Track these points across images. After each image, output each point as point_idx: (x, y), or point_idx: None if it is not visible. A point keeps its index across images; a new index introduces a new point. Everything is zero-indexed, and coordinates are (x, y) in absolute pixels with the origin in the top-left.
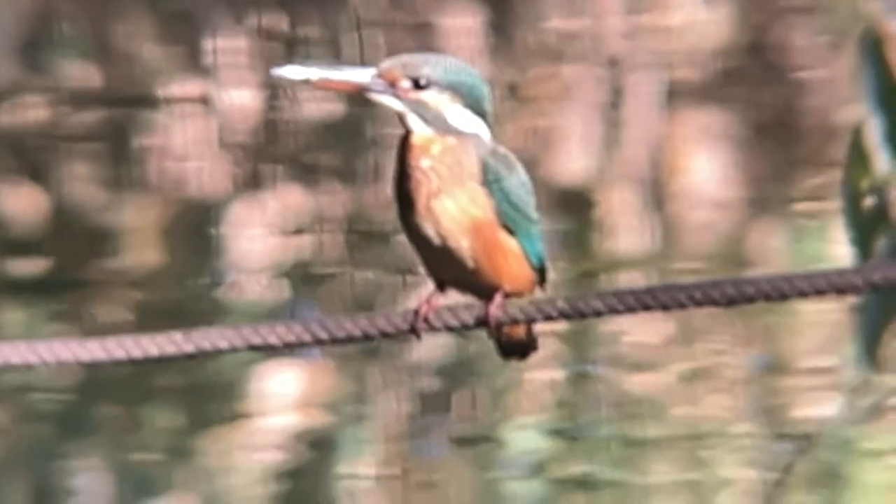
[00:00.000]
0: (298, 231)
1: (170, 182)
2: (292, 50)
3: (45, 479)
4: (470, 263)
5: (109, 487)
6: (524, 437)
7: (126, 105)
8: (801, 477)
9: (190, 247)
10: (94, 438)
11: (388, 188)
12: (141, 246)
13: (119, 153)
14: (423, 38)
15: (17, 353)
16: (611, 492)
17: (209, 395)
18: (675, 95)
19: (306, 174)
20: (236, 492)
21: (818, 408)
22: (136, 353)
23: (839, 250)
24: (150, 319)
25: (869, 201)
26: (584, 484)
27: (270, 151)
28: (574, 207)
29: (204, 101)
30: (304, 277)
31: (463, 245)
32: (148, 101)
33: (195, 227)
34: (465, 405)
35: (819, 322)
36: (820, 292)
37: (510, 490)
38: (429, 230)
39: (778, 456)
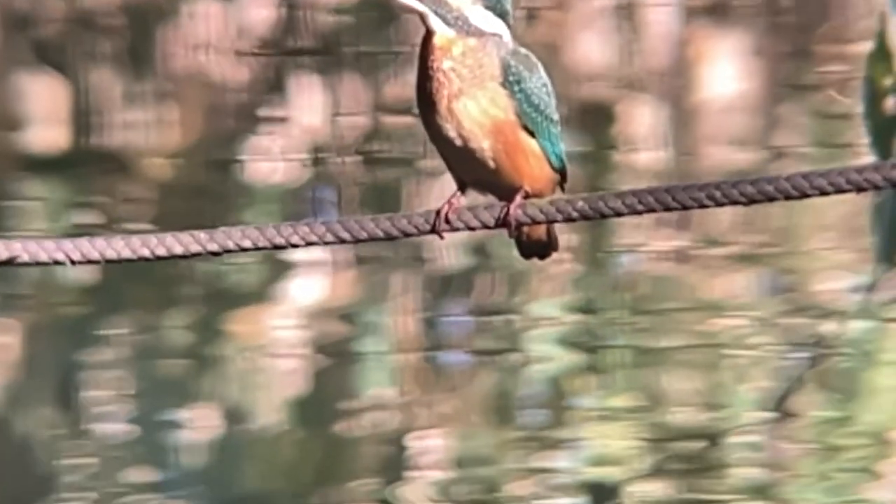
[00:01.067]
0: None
1: (192, 73)
2: None
3: (68, 380)
4: (491, 164)
5: (132, 393)
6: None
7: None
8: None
9: (213, 137)
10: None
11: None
12: (164, 130)
13: (141, 44)
14: None
15: (43, 250)
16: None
17: (232, 302)
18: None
19: (327, 66)
20: (258, 398)
21: (838, 293)
22: (161, 251)
23: (859, 147)
24: (173, 201)
25: (890, 100)
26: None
27: (290, 43)
28: (592, 114)
29: None
30: (325, 167)
31: (484, 146)
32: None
33: (218, 120)
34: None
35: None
36: (839, 190)
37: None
38: (450, 131)
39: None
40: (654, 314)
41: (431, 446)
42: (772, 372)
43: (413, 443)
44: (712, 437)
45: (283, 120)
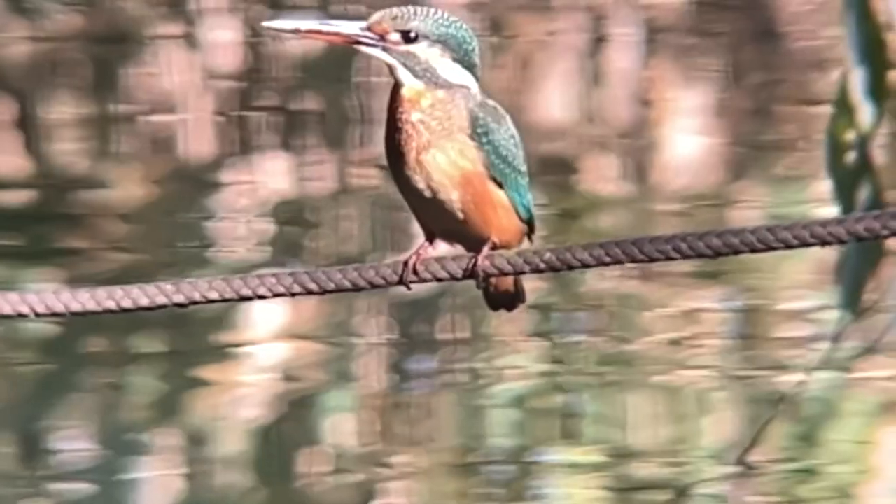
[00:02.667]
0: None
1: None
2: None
3: (28, 437)
4: (459, 215)
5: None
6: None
7: (110, 43)
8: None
9: (177, 205)
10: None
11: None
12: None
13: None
14: None
15: (8, 303)
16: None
17: (196, 329)
18: (656, 43)
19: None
20: (221, 435)
21: (800, 354)
22: (127, 303)
23: (822, 201)
24: (138, 275)
25: (852, 155)
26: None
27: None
28: (556, 158)
29: (188, 41)
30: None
31: (453, 197)
32: (133, 43)
33: (183, 186)
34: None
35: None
36: (804, 243)
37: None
38: (419, 183)
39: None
40: (619, 365)
41: (395, 501)
42: (736, 424)
43: (378, 498)
44: (676, 489)
45: (247, 180)
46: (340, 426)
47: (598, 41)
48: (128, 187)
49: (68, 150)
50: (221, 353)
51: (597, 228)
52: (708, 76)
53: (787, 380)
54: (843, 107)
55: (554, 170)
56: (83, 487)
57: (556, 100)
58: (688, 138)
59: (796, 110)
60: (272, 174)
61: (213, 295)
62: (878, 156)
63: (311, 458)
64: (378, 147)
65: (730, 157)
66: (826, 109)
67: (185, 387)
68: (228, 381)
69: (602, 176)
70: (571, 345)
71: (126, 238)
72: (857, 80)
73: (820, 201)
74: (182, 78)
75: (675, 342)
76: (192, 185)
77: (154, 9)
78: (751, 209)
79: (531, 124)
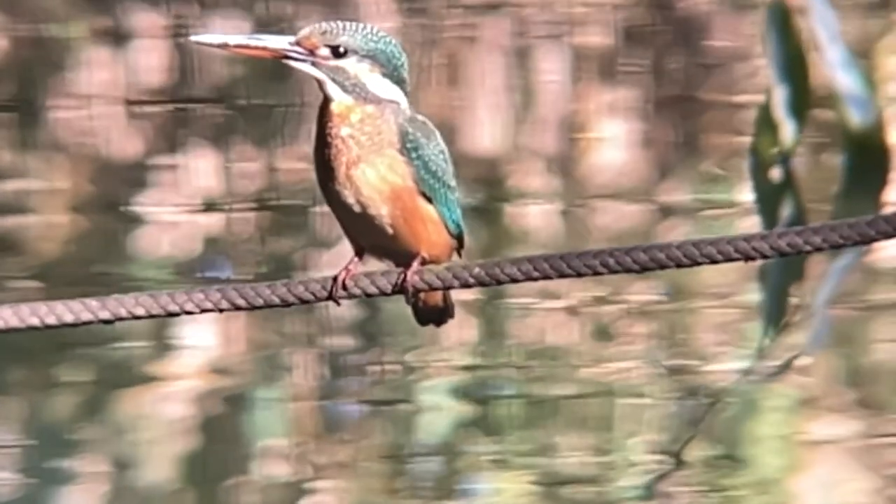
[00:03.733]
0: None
1: (82, 147)
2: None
3: None
4: (389, 230)
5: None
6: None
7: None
8: (703, 433)
9: (104, 207)
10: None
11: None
12: (50, 205)
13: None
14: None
15: None
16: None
17: (120, 354)
18: (582, 65)
19: (218, 136)
20: (147, 450)
21: (724, 367)
22: (51, 320)
23: (746, 217)
24: (60, 277)
25: (775, 170)
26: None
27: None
28: (484, 179)
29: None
30: (219, 238)
31: (382, 212)
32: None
33: (109, 190)
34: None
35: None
36: (728, 258)
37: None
38: (348, 198)
39: (682, 415)
40: (545, 363)
41: (325, 499)
42: (661, 420)
43: (307, 497)
44: (602, 482)
45: (175, 176)
46: (269, 424)
47: (524, 54)
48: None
49: None
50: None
51: (525, 237)
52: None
53: (713, 377)
54: (766, 124)
55: (482, 180)
56: (6, 481)
57: (484, 118)
58: (613, 151)
59: (720, 125)
60: (199, 173)
61: (140, 311)
62: (801, 172)
63: (240, 459)
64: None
65: (655, 170)
66: (750, 127)
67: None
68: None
69: (530, 183)
70: (499, 339)
71: (48, 236)
72: (780, 98)
73: (743, 214)
74: (105, 77)
75: (602, 336)
76: (117, 182)
77: (78, 5)
78: (677, 222)
79: (459, 137)
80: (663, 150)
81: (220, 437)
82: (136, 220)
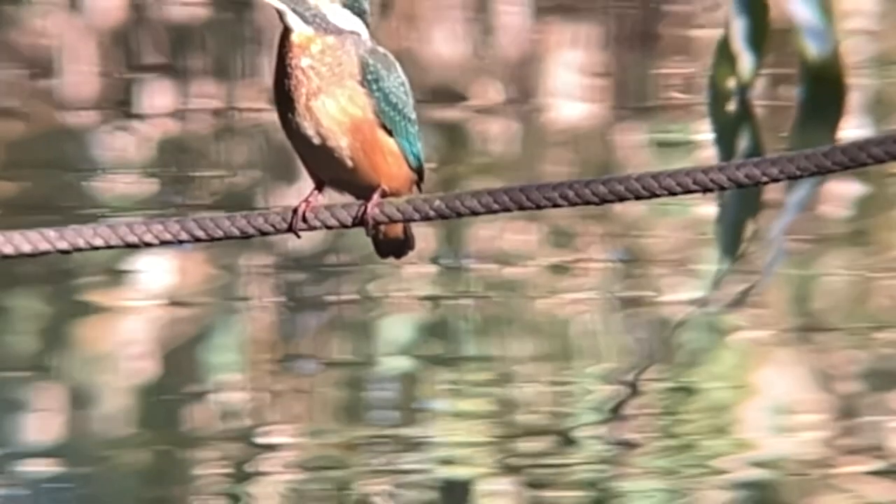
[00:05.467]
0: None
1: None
2: None
3: None
4: (349, 163)
5: None
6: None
7: None
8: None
9: (58, 144)
10: None
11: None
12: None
13: None
14: None
15: None
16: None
17: (80, 284)
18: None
19: (176, 73)
20: (104, 380)
21: (679, 297)
22: (8, 249)
23: (703, 150)
24: (20, 212)
25: (733, 102)
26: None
27: (138, 50)
28: (444, 107)
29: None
30: (176, 174)
31: (342, 144)
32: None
33: (65, 127)
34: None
35: (680, 220)
36: (687, 190)
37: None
38: (308, 129)
39: (637, 345)
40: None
41: (281, 443)
42: (615, 375)
43: (262, 438)
44: (558, 437)
45: (133, 118)
46: (225, 367)
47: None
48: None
49: None
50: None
51: (484, 165)
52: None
53: (669, 308)
54: (725, 56)
55: (442, 105)
56: None
57: (444, 42)
58: (572, 78)
59: (679, 60)
60: (156, 109)
61: (98, 242)
62: (759, 104)
63: (196, 403)
64: (265, 81)
65: (614, 101)
66: (708, 58)
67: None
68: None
69: (489, 111)
70: (457, 270)
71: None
72: (738, 30)
73: (701, 146)
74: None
75: (558, 268)
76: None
77: None
78: (633, 152)
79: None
80: (622, 84)
81: (177, 367)
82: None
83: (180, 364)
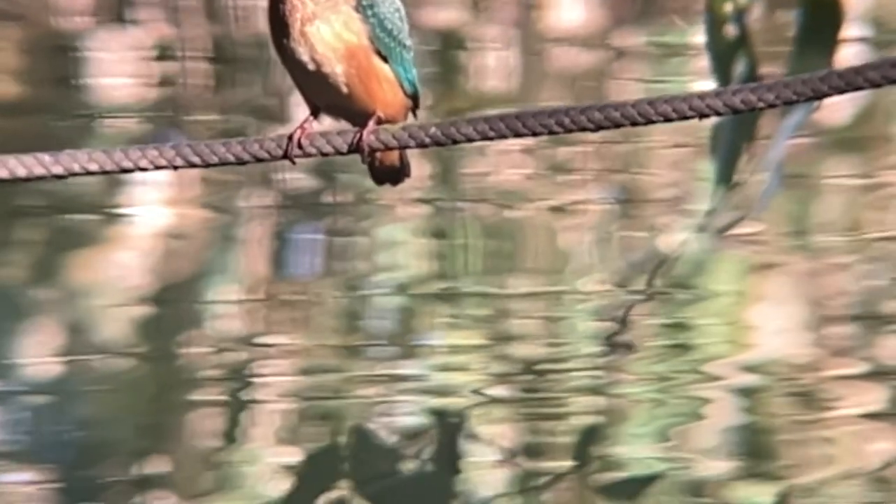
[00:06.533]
0: (163, 58)
1: (31, 11)
2: None
3: None
4: (344, 89)
5: None
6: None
7: None
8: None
9: (53, 74)
10: None
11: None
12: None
13: None
14: None
15: None
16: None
17: (78, 219)
18: None
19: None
20: (101, 312)
21: (675, 230)
22: (3, 173)
23: (699, 78)
24: (14, 145)
25: (730, 28)
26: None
27: None
28: (443, 46)
29: None
30: (171, 110)
31: (337, 70)
32: None
33: (58, 54)
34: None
35: (676, 158)
36: (683, 116)
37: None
38: (303, 55)
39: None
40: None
41: (276, 379)
42: (609, 310)
43: (257, 375)
44: (553, 370)
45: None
46: (222, 303)
47: None
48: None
49: None
50: (103, 219)
51: (481, 96)
52: None
53: (661, 248)
54: None
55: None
56: None
57: None
58: (571, 9)
59: None
60: (150, 47)
61: (93, 167)
62: (755, 29)
63: (192, 336)
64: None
65: (611, 31)
66: None
67: (66, 247)
68: (111, 244)
69: (486, 44)
70: (454, 212)
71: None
72: None
73: (697, 75)
74: None
75: (555, 209)
76: (67, 53)
77: None
78: (631, 82)
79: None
80: (620, 7)
81: (174, 295)
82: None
83: (177, 297)
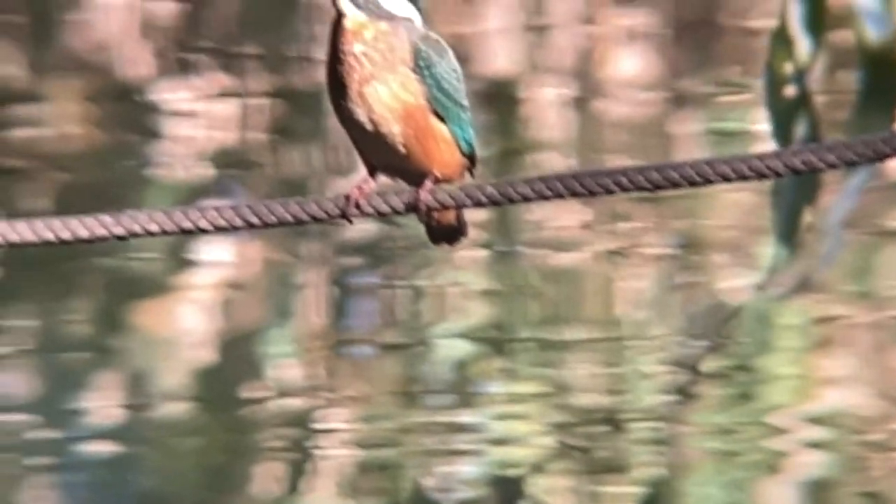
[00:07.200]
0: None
1: (95, 64)
2: None
3: None
4: (401, 149)
5: (35, 377)
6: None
7: None
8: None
9: (117, 128)
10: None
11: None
12: (67, 126)
13: (42, 33)
14: None
15: None
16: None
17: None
18: None
19: (231, 59)
20: (162, 363)
21: (737, 286)
22: (66, 234)
23: (760, 139)
24: (76, 201)
25: (790, 88)
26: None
27: (194, 36)
28: (500, 100)
29: None
30: (232, 161)
31: (395, 131)
32: None
33: (121, 105)
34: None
35: (737, 206)
36: (742, 177)
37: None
38: (361, 116)
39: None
40: (559, 303)
41: (337, 428)
42: (672, 360)
43: (319, 424)
44: (615, 422)
45: (188, 114)
46: (283, 360)
47: None
48: (64, 104)
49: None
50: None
51: (538, 145)
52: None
53: (723, 315)
54: (782, 41)
55: (496, 101)
56: (23, 419)
57: (500, 37)
58: (630, 64)
59: (736, 42)
60: (212, 97)
61: (154, 227)
62: (816, 89)
63: (254, 389)
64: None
65: (671, 90)
66: (765, 43)
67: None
68: (175, 293)
69: (545, 107)
70: (513, 258)
71: (64, 158)
72: (795, 14)
73: (757, 137)
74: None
75: (614, 253)
76: (131, 104)
77: None
78: (691, 140)
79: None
80: (678, 57)
81: (234, 353)
82: (150, 133)
83: (236, 347)
